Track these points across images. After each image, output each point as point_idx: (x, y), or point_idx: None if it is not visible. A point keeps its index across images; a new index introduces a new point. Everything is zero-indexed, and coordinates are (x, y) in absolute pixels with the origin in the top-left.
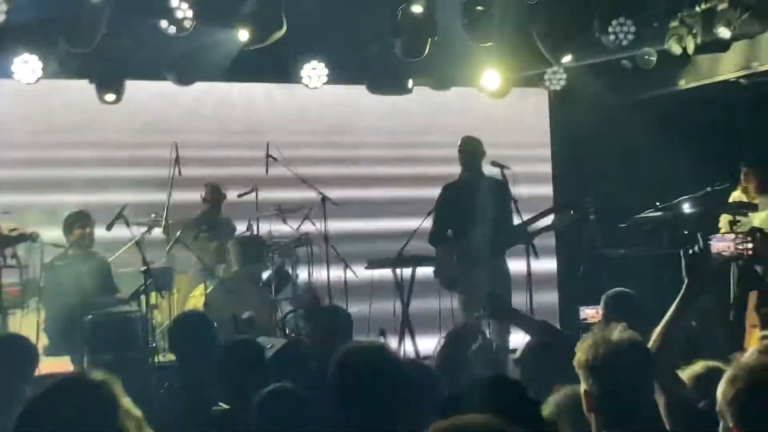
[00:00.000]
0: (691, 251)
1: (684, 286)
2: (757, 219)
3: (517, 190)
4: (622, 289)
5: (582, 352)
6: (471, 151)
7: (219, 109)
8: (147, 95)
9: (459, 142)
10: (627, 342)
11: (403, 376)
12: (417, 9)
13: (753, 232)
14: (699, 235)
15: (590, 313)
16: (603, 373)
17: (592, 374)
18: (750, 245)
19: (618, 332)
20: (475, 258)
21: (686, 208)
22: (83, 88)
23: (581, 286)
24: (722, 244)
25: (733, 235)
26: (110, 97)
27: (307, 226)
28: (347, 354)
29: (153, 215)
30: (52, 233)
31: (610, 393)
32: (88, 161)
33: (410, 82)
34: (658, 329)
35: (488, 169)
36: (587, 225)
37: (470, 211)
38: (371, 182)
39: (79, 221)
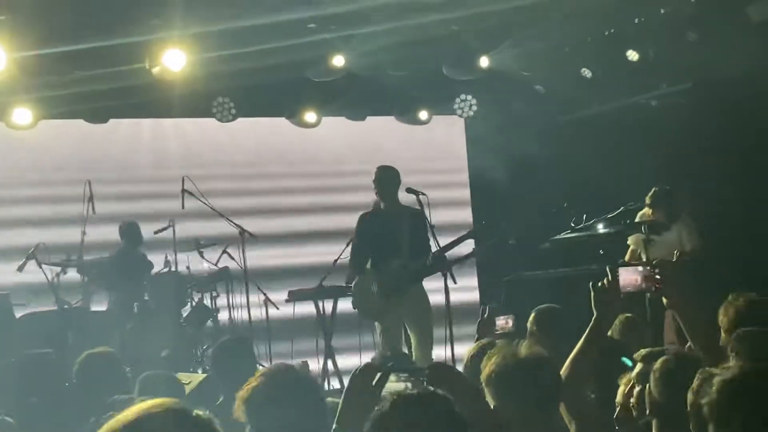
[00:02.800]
0: (599, 284)
1: (593, 319)
2: (667, 241)
3: (435, 217)
4: (551, 305)
5: (489, 367)
6: (386, 179)
7: (130, 145)
8: (57, 133)
9: (374, 171)
10: (533, 359)
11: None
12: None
13: (661, 264)
14: (608, 267)
15: (501, 323)
16: (508, 388)
17: (497, 390)
18: (657, 278)
19: (525, 348)
20: (393, 287)
21: (600, 228)
22: None
23: (503, 310)
24: (630, 277)
25: (641, 268)
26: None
27: (226, 261)
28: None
29: (66, 255)
30: None
31: (517, 409)
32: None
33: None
34: (569, 359)
35: (404, 197)
36: (506, 249)
37: (387, 240)
38: (289, 214)
39: None
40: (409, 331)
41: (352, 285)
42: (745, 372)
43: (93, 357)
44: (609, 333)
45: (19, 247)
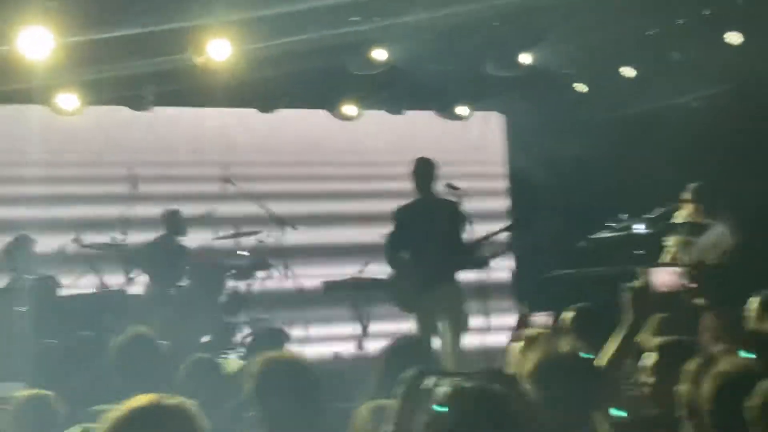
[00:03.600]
0: (634, 284)
1: (627, 319)
2: (707, 242)
3: (472, 212)
4: (588, 303)
5: (531, 362)
6: (423, 171)
7: (172, 133)
8: (101, 119)
9: (413, 164)
10: (574, 354)
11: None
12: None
13: (698, 265)
14: (644, 269)
15: (538, 321)
16: (548, 384)
17: (538, 385)
18: (693, 279)
19: (565, 344)
20: (430, 280)
21: (639, 228)
22: (37, 113)
23: (539, 307)
24: (667, 277)
25: (677, 268)
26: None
27: (264, 249)
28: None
29: (109, 238)
30: None
31: (554, 403)
32: (45, 180)
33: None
34: (606, 358)
35: (442, 191)
36: (543, 246)
37: (424, 232)
38: (326, 205)
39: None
40: (443, 325)
41: (388, 277)
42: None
43: (133, 337)
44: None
45: (62, 229)
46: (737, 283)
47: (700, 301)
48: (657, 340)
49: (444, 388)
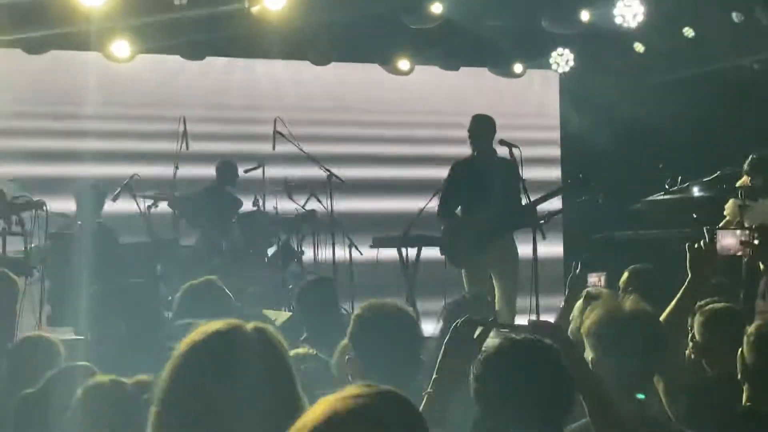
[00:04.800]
0: (696, 245)
1: (687, 280)
2: (764, 208)
3: (525, 171)
4: (645, 264)
5: (591, 319)
6: (481, 129)
7: (224, 84)
8: (153, 67)
9: (470, 121)
10: (639, 313)
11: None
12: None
13: (761, 228)
14: (705, 229)
15: (593, 280)
16: (611, 341)
17: (599, 342)
18: (755, 243)
19: (631, 303)
20: (483, 236)
21: (695, 191)
22: (92, 60)
23: (588, 267)
24: (728, 240)
25: (739, 231)
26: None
27: (313, 203)
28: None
29: (159, 188)
30: (58, 203)
31: (615, 363)
32: (95, 133)
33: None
34: (662, 319)
35: (497, 149)
36: (595, 207)
37: (479, 190)
38: (378, 161)
39: (91, 192)
40: (494, 281)
41: (441, 231)
42: None
43: (195, 287)
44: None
45: (114, 178)
46: None
47: (760, 264)
48: (713, 305)
49: (494, 339)
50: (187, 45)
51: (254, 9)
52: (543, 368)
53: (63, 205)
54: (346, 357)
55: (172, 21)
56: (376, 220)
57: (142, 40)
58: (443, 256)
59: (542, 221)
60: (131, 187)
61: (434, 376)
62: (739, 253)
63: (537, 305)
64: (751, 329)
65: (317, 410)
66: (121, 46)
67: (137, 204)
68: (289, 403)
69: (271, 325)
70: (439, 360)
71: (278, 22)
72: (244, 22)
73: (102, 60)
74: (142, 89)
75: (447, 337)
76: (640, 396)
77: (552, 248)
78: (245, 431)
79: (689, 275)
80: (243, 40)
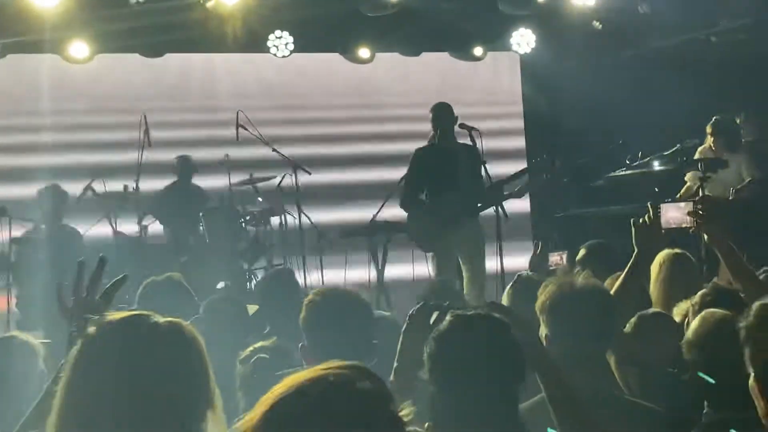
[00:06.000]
0: (641, 220)
1: (633, 255)
2: (723, 177)
3: (489, 153)
4: (601, 240)
5: (545, 295)
6: (442, 116)
7: (184, 80)
8: (113, 66)
9: (430, 108)
10: (590, 288)
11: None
12: None
13: (704, 200)
14: (649, 204)
15: (554, 259)
16: (562, 317)
17: (552, 318)
18: (699, 214)
19: (582, 278)
20: (448, 220)
21: (656, 165)
22: (50, 62)
23: (556, 246)
24: (673, 213)
25: (683, 204)
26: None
27: (280, 195)
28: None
29: (123, 187)
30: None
31: (568, 338)
32: (55, 134)
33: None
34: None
35: (457, 132)
36: (560, 185)
37: (442, 175)
38: (342, 150)
39: (53, 196)
40: (461, 264)
41: (407, 216)
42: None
43: (156, 283)
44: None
45: (77, 176)
46: (746, 218)
47: (705, 235)
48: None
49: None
50: (145, 43)
51: (209, 4)
52: (492, 341)
53: (25, 209)
54: (300, 344)
55: (128, 20)
56: (344, 208)
57: (100, 40)
58: (412, 241)
59: (506, 200)
60: (94, 188)
61: (395, 365)
62: (684, 226)
63: (503, 289)
64: (696, 298)
65: (286, 382)
66: (79, 47)
67: (101, 206)
68: (197, 395)
69: None
70: (398, 348)
71: (235, 16)
72: (201, 17)
73: (60, 62)
74: (102, 89)
75: (404, 326)
76: None
77: (518, 229)
78: (148, 420)
79: (635, 251)
80: (201, 35)
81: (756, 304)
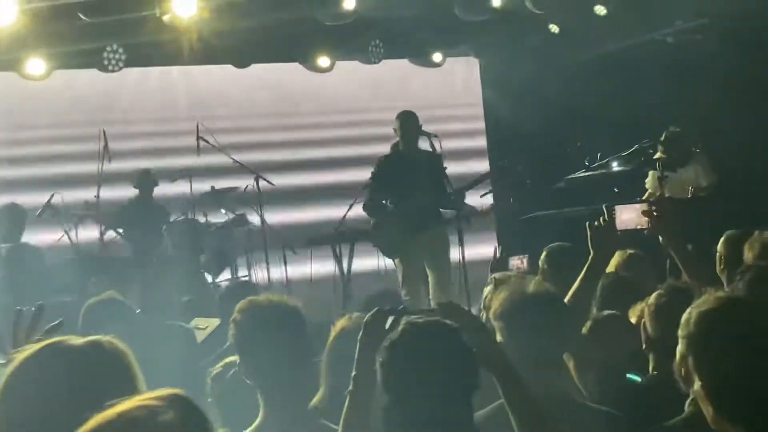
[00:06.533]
0: (596, 222)
1: (590, 258)
2: (682, 178)
3: (451, 158)
4: (562, 243)
5: (497, 302)
6: (407, 124)
7: (143, 94)
8: (71, 82)
9: (396, 116)
10: (541, 294)
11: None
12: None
13: (658, 201)
14: (604, 206)
15: (515, 263)
16: (515, 323)
17: (505, 325)
18: (654, 215)
19: (534, 284)
20: (413, 226)
21: (615, 166)
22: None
23: (520, 251)
24: (628, 215)
25: (638, 205)
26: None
27: (243, 208)
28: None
29: (83, 201)
30: None
31: (522, 344)
32: (12, 143)
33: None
34: (567, 296)
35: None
36: (523, 189)
37: (406, 181)
38: (305, 161)
39: (10, 215)
40: (428, 270)
41: (371, 223)
42: (722, 303)
43: (97, 303)
44: (612, 269)
45: (36, 190)
46: (704, 218)
47: (660, 236)
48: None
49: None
50: (103, 58)
51: (165, 17)
52: (444, 349)
53: None
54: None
55: (85, 35)
56: (307, 219)
57: (57, 56)
58: (376, 248)
59: (468, 206)
60: (54, 204)
61: (353, 373)
62: (640, 227)
63: (468, 295)
64: (651, 299)
65: (98, 417)
66: (36, 64)
67: (61, 221)
68: None
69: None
70: (356, 354)
71: (191, 29)
72: (158, 30)
73: (18, 78)
74: (61, 105)
75: (360, 333)
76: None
77: (482, 234)
78: None
79: (591, 252)
80: (158, 48)
81: (694, 312)
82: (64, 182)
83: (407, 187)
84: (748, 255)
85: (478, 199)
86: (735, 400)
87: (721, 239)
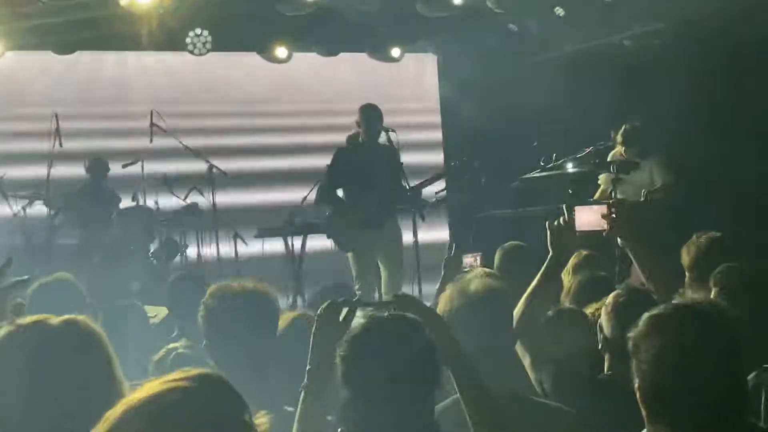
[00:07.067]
0: (555, 222)
1: (548, 258)
2: (637, 180)
3: (407, 155)
4: (517, 242)
5: (442, 302)
6: (370, 117)
7: (96, 78)
8: (24, 64)
9: (359, 108)
10: (483, 293)
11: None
12: None
13: (617, 204)
14: (564, 206)
15: (468, 260)
16: (459, 324)
17: (451, 322)
18: (613, 217)
19: (476, 282)
20: (368, 220)
21: (570, 167)
22: None
23: (473, 248)
24: (587, 216)
25: (597, 207)
26: None
27: (195, 196)
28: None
29: (33, 187)
30: None
31: (468, 340)
32: None
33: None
34: (522, 299)
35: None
36: (477, 187)
37: (363, 174)
38: (258, 151)
39: None
40: (380, 265)
41: (327, 216)
42: (674, 307)
43: (46, 285)
44: (568, 270)
45: None
46: (662, 220)
47: (616, 238)
48: (573, 279)
49: (359, 319)
50: (57, 40)
51: (123, 1)
52: (409, 343)
53: None
54: (203, 342)
55: (39, 17)
56: (259, 212)
57: (10, 37)
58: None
59: (426, 203)
60: (2, 186)
61: (308, 368)
62: (598, 228)
63: (420, 290)
64: (609, 299)
65: (138, 393)
66: None
67: (9, 204)
68: (105, 389)
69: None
70: (310, 348)
71: (150, 14)
72: (114, 14)
73: None
74: (12, 87)
75: (314, 326)
76: None
77: (438, 233)
78: (63, 420)
79: (550, 252)
80: (114, 33)
81: (645, 316)
82: (13, 167)
83: (365, 181)
84: (685, 258)
85: (432, 193)
86: (662, 404)
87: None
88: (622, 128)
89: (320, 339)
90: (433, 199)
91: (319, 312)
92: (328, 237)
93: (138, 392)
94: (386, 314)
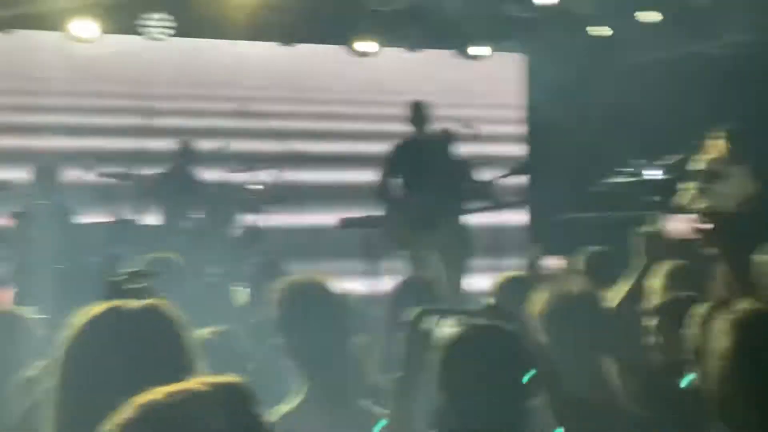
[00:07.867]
0: (646, 230)
1: (643, 265)
2: (725, 190)
3: (485, 150)
4: (601, 247)
5: (541, 303)
6: (419, 114)
7: (190, 65)
8: (118, 48)
9: (407, 107)
10: (585, 295)
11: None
12: None
13: (712, 214)
14: (658, 214)
15: (555, 263)
16: (558, 325)
17: (549, 325)
18: (707, 228)
19: (578, 285)
20: (424, 218)
21: (656, 174)
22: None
23: (552, 250)
24: (681, 225)
25: (691, 216)
26: None
27: (279, 184)
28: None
29: (122, 168)
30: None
31: (562, 344)
32: (62, 109)
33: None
34: (616, 302)
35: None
36: (558, 189)
37: (419, 171)
38: (343, 143)
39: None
40: (441, 264)
41: (384, 212)
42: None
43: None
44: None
45: (77, 159)
46: (752, 232)
47: (712, 249)
48: (665, 287)
49: (451, 329)
50: (151, 26)
51: None
52: (508, 353)
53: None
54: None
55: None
56: (339, 195)
57: (105, 19)
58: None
59: (498, 203)
60: (93, 165)
61: (399, 375)
62: (692, 238)
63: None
64: (700, 310)
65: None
66: (83, 26)
67: (100, 183)
68: (180, 373)
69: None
70: (403, 356)
71: (243, 4)
72: (212, 3)
73: (63, 40)
74: (105, 69)
75: (407, 333)
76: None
77: (513, 231)
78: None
79: (643, 260)
80: (207, 21)
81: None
82: (104, 150)
83: (419, 176)
84: None
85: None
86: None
87: None
88: (712, 136)
89: (412, 346)
90: (502, 200)
91: (411, 320)
92: (384, 234)
93: (153, 393)
94: (485, 323)
